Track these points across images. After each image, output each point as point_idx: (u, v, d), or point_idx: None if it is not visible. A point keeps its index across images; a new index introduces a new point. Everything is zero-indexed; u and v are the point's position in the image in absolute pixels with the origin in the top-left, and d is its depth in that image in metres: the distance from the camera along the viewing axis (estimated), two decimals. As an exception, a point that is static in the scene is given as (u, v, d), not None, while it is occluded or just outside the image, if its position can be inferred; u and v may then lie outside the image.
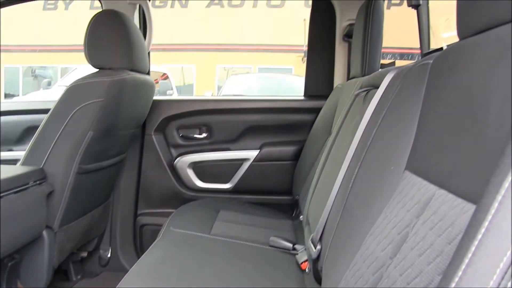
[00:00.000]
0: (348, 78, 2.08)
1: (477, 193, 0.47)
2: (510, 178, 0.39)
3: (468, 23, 0.67)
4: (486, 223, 0.40)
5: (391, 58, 8.81)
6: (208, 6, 14.44)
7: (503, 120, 0.50)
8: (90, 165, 1.71)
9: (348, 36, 2.17)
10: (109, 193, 2.10)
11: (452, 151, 0.63)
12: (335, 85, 2.20)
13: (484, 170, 0.48)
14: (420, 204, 0.66)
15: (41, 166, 1.60)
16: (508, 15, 0.56)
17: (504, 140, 0.45)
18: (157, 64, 8.98)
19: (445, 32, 1.83)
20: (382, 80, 1.07)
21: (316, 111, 2.12)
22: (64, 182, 1.62)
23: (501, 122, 0.50)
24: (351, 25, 2.11)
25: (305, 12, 2.59)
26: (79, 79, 1.65)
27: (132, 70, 1.76)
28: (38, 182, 1.55)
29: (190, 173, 2.24)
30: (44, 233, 1.59)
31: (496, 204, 0.40)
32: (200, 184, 2.25)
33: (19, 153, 1.81)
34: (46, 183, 1.59)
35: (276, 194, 2.23)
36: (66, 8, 14.22)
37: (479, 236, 0.40)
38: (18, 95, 12.10)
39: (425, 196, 0.66)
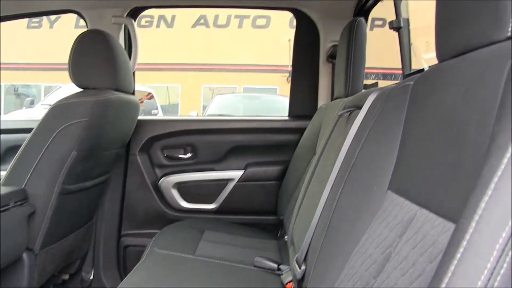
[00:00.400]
0: (332, 99, 2.10)
1: (456, 212, 0.48)
2: (487, 198, 0.40)
3: (447, 47, 0.68)
4: (464, 243, 0.40)
5: (374, 78, 8.94)
6: (193, 26, 14.55)
7: (481, 141, 0.51)
8: (73, 185, 1.69)
9: (332, 57, 2.20)
10: (92, 214, 2.07)
11: (432, 171, 0.64)
12: (319, 105, 2.22)
13: (463, 190, 0.49)
14: (403, 224, 0.67)
15: (22, 187, 1.57)
16: (485, 39, 0.58)
17: (482, 161, 0.46)
18: (142, 83, 8.98)
19: (425, 54, 1.87)
20: (365, 101, 1.08)
21: (301, 131, 2.13)
22: (46, 202, 1.59)
23: (479, 143, 0.51)
24: (334, 46, 2.14)
25: (290, 33, 2.62)
26: (63, 99, 1.64)
27: (117, 90, 1.75)
28: (19, 202, 1.53)
29: (175, 194, 2.22)
30: (24, 255, 1.56)
31: (473, 224, 0.40)
32: (184, 204, 2.23)
33: (0, 173, 1.78)
34: (28, 203, 1.57)
35: (261, 214, 2.22)
36: (51, 26, 14.19)
37: (458, 256, 0.41)
38: (0, 114, 11.94)
39: (407, 215, 0.67)
